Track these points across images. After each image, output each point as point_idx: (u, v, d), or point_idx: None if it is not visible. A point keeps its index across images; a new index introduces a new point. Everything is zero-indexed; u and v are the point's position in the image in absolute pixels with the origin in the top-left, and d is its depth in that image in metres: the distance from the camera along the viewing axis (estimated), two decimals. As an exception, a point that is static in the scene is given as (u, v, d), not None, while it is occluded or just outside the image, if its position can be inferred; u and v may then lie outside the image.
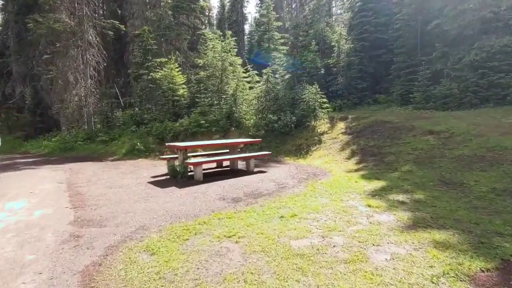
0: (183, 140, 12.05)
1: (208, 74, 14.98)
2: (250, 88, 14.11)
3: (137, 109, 14.10)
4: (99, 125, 15.57)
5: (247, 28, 43.72)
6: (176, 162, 7.84)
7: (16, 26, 17.39)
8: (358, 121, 11.50)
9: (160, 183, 6.71)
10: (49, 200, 5.40)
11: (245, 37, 38.64)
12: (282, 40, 24.37)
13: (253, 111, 13.55)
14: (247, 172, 7.91)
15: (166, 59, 13.77)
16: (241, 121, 12.88)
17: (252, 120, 12.76)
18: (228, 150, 9.06)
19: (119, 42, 20.45)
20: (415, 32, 13.64)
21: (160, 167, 9.02)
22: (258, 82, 13.82)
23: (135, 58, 15.51)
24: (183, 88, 13.60)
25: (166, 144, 7.61)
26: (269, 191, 5.84)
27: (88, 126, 15.80)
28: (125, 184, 6.66)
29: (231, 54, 15.12)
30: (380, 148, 8.75)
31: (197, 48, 19.42)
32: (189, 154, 7.71)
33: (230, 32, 15.51)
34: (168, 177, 7.37)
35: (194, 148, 8.08)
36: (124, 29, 18.21)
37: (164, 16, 17.63)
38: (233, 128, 12.68)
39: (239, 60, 15.31)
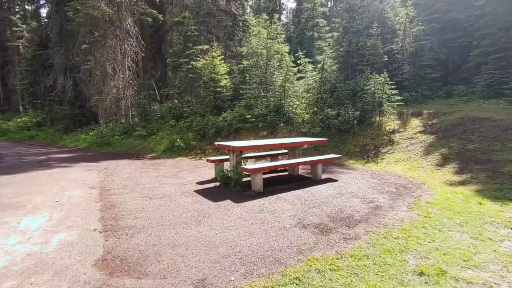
0: (226, 137, 10.69)
1: (252, 64, 13.47)
2: (298, 78, 12.37)
3: (176, 101, 12.98)
4: (136, 119, 14.76)
5: (283, 18, 41.69)
6: (227, 166, 6.42)
7: (58, 17, 17.11)
8: (439, 118, 9.35)
9: (209, 193, 5.30)
10: (75, 215, 4.18)
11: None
12: (327, 27, 22.23)
13: (304, 104, 11.83)
14: (313, 180, 6.28)
15: (208, 46, 12.43)
16: (291, 116, 11.22)
17: (304, 115, 11.05)
18: (278, 151, 7.48)
19: (156, 32, 19.62)
20: (509, 7, 10.98)
21: (204, 169, 7.68)
22: (304, 71, 12.04)
23: (175, 46, 14.40)
24: (225, 78, 12.21)
25: (216, 144, 6.19)
26: (361, 214, 4.18)
27: (125, 119, 15.07)
28: (167, 193, 5.34)
29: (278, 41, 13.46)
30: (487, 154, 6.65)
31: (235, 37, 18.02)
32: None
33: (277, 16, 13.83)
34: (218, 184, 5.95)
35: (250, 149, 6.53)
36: (162, 18, 17.26)
37: (203, 2, 16.36)
38: (282, 124, 11.07)
39: (286, 48, 13.60)
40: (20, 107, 26.95)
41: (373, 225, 3.80)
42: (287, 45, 13.72)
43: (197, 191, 5.49)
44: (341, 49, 15.57)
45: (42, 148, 13.31)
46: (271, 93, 11.94)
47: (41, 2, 22.78)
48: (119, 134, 13.06)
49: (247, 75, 13.19)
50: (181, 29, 12.93)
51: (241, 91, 11.96)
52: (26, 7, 25.59)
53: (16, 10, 28.91)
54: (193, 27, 12.73)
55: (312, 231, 3.61)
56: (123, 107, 15.36)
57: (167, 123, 12.31)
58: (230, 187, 5.62)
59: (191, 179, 6.51)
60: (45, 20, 20.88)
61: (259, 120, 11.04)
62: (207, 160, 6.65)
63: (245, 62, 13.64)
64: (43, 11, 24.47)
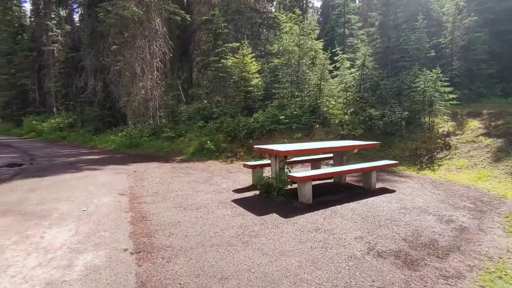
0: (258, 139, 10.03)
1: (283, 62, 12.75)
2: (333, 77, 11.47)
3: (205, 101, 12.52)
4: (164, 120, 14.50)
5: (309, 17, 40.60)
6: (267, 172, 5.73)
7: (89, 20, 17.35)
8: (504, 119, 8.16)
9: (250, 204, 4.64)
10: (103, 229, 3.66)
11: (310, 26, 35.67)
12: (360, 24, 21.06)
13: (341, 104, 10.93)
14: (366, 190, 5.44)
15: (238, 44, 11.87)
16: (327, 117, 10.37)
17: (342, 116, 10.15)
18: (320, 156, 6.67)
19: (183, 33, 19.45)
20: None
21: (238, 174, 7.05)
22: (342, 68, 11.12)
23: (203, 45, 13.99)
24: (256, 77, 11.57)
25: (256, 147, 5.52)
26: (446, 239, 3.33)
27: (153, 120, 14.86)
28: (203, 203, 4.73)
29: (312, 38, 12.65)
30: None
31: (263, 36, 17.39)
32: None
33: (310, 11, 13.04)
34: (257, 193, 5.27)
35: (295, 154, 5.76)
36: (190, 19, 17.00)
37: (232, 0, 15.89)
38: (318, 126, 10.24)
39: (320, 44, 12.75)
40: (54, 109, 27.93)
41: (470, 256, 2.94)
42: (321, 42, 12.87)
43: (236, 201, 4.84)
44: (377, 45, 14.49)
45: (73, 149, 13.36)
46: (305, 92, 11.14)
47: (74, 6, 23.40)
48: (147, 136, 12.80)
49: (278, 73, 12.48)
50: (210, 27, 12.47)
51: (273, 91, 11.27)
52: (61, 12, 26.50)
53: (52, 16, 30.17)
54: (222, 24, 12.22)
55: (393, 262, 2.81)
56: (151, 108, 15.18)
57: (195, 124, 11.87)
58: (272, 197, 4.92)
59: (226, 186, 5.88)
60: (78, 23, 21.41)
61: (292, 121, 10.29)
62: (244, 166, 6.00)
63: (276, 60, 12.95)
64: (76, 16, 25.20)
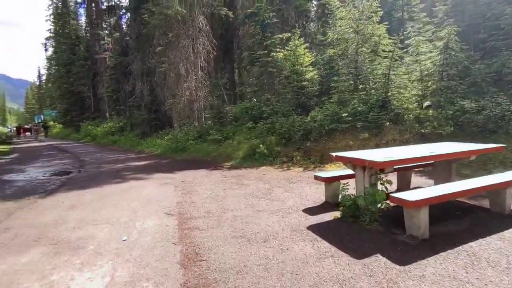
0: (316, 141, 8.68)
1: (340, 52, 11.18)
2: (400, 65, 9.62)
3: (255, 100, 11.48)
4: (209, 122, 13.80)
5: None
6: (350, 188, 4.38)
7: (135, 24, 17.46)
8: None
9: (335, 235, 3.36)
10: (146, 275, 2.67)
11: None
12: (421, 5, 18.43)
13: (415, 97, 9.10)
14: (495, 214, 3.82)
15: (289, 34, 10.60)
16: (400, 113, 8.63)
17: (419, 111, 8.35)
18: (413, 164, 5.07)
19: (226, 30, 18.74)
20: None
21: (301, 185, 5.81)
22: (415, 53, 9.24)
23: (250, 39, 12.97)
24: (311, 70, 10.20)
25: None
26: None
27: (198, 122, 14.26)
28: (270, 231, 3.57)
29: (373, 21, 10.88)
30: None
31: (313, 25, 15.89)
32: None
33: None
34: (337, 214, 3.97)
35: (396, 165, 4.23)
36: (232, 15, 16.17)
37: (278, -11, 14.68)
38: (388, 123, 8.56)
39: (383, 28, 10.92)
40: (107, 114, 29.31)
41: None
42: (385, 25, 11.03)
43: (313, 228, 3.60)
44: (453, 25, 12.14)
45: (121, 154, 13.25)
46: (372, 84, 9.49)
47: (122, 12, 24.12)
48: (193, 139, 12.14)
49: (334, 65, 10.96)
50: (257, 18, 11.38)
51: (331, 84, 9.79)
52: (111, 20, 27.66)
53: (104, 26, 31.80)
54: (271, 14, 11.05)
55: None
56: (196, 110, 14.61)
57: (243, 126, 10.88)
58: (361, 223, 3.59)
59: (293, 204, 4.66)
60: (125, 29, 21.96)
61: (357, 118, 8.75)
62: (316, 178, 4.72)
63: (331, 51, 11.41)
64: (125, 22, 26.03)
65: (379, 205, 3.67)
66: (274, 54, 10.40)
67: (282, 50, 10.56)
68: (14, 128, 39.80)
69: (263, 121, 10.11)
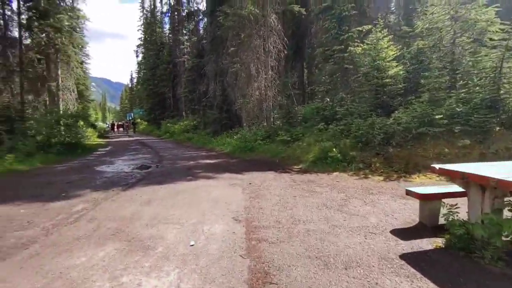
0: (401, 146, 7.55)
1: (431, 43, 9.61)
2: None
3: (327, 99, 10.74)
4: (278, 122, 13.52)
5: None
6: (463, 211, 3.47)
7: (211, 27, 18.30)
8: None
9: (441, 271, 2.60)
10: (211, 294, 2.42)
11: None
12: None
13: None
14: None
15: (370, 26, 9.54)
16: (517, 115, 6.90)
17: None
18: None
19: (298, 28, 18.22)
20: None
21: (383, 198, 4.99)
22: None
23: (325, 34, 12.21)
24: (395, 66, 8.98)
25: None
26: None
27: (267, 122, 14.12)
28: (352, 255, 2.99)
29: (479, 3, 9.03)
30: None
31: (397, 14, 14.16)
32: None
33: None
34: (438, 242, 3.15)
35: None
36: (305, 12, 15.54)
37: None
38: (499, 128, 6.94)
39: (492, 12, 8.96)
40: (184, 113, 31.77)
41: None
42: (494, 8, 9.04)
43: (408, 259, 2.88)
44: None
45: (194, 151, 13.95)
46: (476, 80, 7.84)
47: (200, 17, 25.71)
48: (261, 139, 12.00)
49: (424, 59, 9.47)
50: (332, 11, 10.57)
51: (421, 81, 8.43)
52: (190, 26, 29.78)
53: (184, 32, 34.53)
54: (349, 5, 10.13)
55: None
56: (265, 109, 14.51)
57: (314, 127, 10.24)
58: (479, 260, 2.73)
59: (376, 221, 3.95)
60: (202, 33, 23.32)
61: (454, 121, 7.32)
62: (409, 193, 3.92)
63: (419, 43, 9.90)
64: (202, 27, 27.71)
65: (506, 238, 2.75)
66: (352, 48, 9.47)
67: (361, 44, 9.56)
68: (110, 125, 46.38)
69: (336, 122, 9.32)
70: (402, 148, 7.52)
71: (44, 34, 21.89)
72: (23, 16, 19.42)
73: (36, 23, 19.30)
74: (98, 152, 14.17)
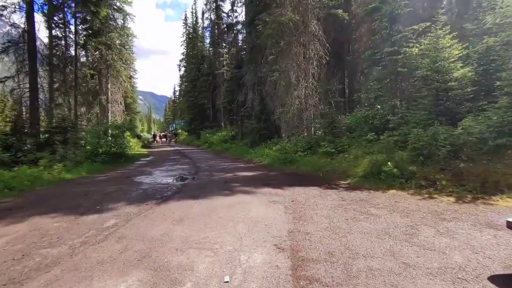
0: (472, 161, 6.31)
1: (506, 38, 8.18)
2: None
3: (378, 106, 9.68)
4: (319, 132, 12.65)
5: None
6: None
7: (249, 37, 18.19)
8: None
9: None
10: None
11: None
12: None
13: None
14: None
15: (428, 23, 8.43)
16: None
17: None
18: None
19: (340, 33, 17.30)
20: None
21: (461, 225, 3.97)
22: None
23: (372, 35, 11.23)
24: (460, 67, 7.74)
25: None
26: None
27: (307, 133, 13.32)
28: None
29: None
30: None
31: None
32: None
33: None
34: None
35: None
36: (347, 17, 14.66)
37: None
38: None
39: None
40: (222, 123, 32.07)
41: None
42: None
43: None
44: None
45: (232, 162, 13.59)
46: None
47: (239, 28, 25.95)
48: (302, 150, 11.24)
49: (497, 57, 8.06)
50: (383, 11, 9.60)
51: (496, 83, 7.09)
52: (230, 38, 30.27)
53: (224, 44, 35.29)
54: (402, 2, 9.10)
55: None
56: (305, 119, 13.73)
57: (362, 138, 9.26)
58: None
59: (463, 261, 3.01)
60: (240, 44, 23.44)
61: (545, 131, 5.93)
62: (509, 225, 2.94)
63: (490, 40, 8.51)
64: (240, 40, 27.97)
65: None
66: (407, 49, 8.40)
67: (417, 45, 8.46)
68: (152, 135, 48.51)
69: (389, 132, 8.26)
70: (475, 163, 6.27)
71: (97, 52, 23.68)
72: (80, 36, 21.06)
73: (90, 42, 20.87)
74: (139, 162, 14.47)
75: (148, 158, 16.52)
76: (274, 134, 15.64)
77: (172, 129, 54.48)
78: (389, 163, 6.80)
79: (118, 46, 26.38)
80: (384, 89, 9.72)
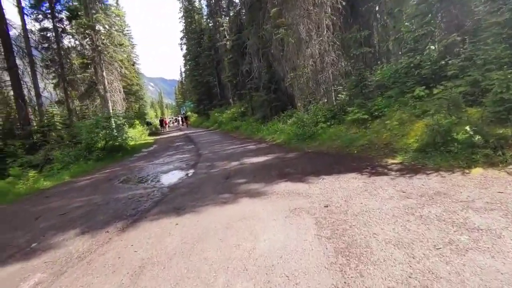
0: None
1: None
2: None
3: (432, 47, 7.05)
4: (343, 95, 10.23)
5: None
6: None
7: (247, -6, 15.31)
8: None
9: None
10: None
11: None
12: None
13: None
14: None
15: None
16: None
17: None
18: None
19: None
20: None
21: None
22: None
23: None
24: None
25: None
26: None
27: (328, 98, 10.93)
28: None
29: None
30: None
31: None
32: None
33: None
34: None
35: None
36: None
37: None
38: None
39: None
40: (230, 99, 29.74)
41: None
42: None
43: None
44: None
45: (241, 143, 11.53)
46: None
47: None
48: (324, 121, 8.99)
49: None
50: None
51: None
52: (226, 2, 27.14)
53: (222, 13, 31.95)
54: None
55: None
56: (323, 82, 11.27)
57: (406, 95, 6.86)
58: None
59: None
60: (239, 5, 20.48)
61: None
62: None
63: None
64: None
65: None
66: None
67: None
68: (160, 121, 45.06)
69: (450, 82, 5.81)
70: None
71: (88, 38, 21.64)
72: (56, 20, 18.94)
73: (71, 25, 18.79)
74: (138, 154, 12.75)
75: (150, 148, 14.80)
76: (287, 105, 13.33)
77: (183, 112, 52.69)
78: (467, 127, 4.47)
79: (107, 27, 24.21)
80: (433, 24, 7.04)
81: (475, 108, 5.28)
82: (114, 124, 15.35)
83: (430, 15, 7.14)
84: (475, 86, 5.39)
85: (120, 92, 25.50)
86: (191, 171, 6.99)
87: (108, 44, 23.87)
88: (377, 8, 15.46)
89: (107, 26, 24.27)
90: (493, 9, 5.81)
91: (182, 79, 76.59)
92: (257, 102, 16.04)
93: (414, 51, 7.27)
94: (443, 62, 6.31)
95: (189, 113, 43.27)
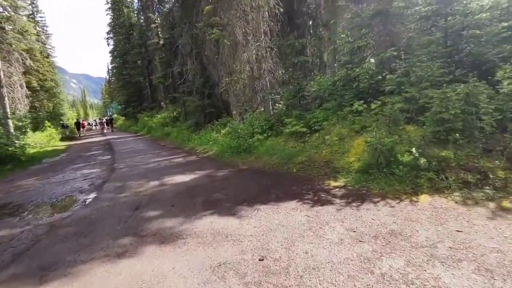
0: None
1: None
2: None
3: (372, 60, 6.82)
4: (280, 105, 9.70)
5: None
6: None
7: (180, -12, 13.94)
8: None
9: None
10: None
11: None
12: None
13: None
14: None
15: None
16: None
17: None
18: None
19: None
20: None
21: None
22: None
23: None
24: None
25: None
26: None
27: (265, 107, 10.30)
28: None
29: None
30: None
31: None
32: None
33: None
34: None
35: None
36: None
37: None
38: None
39: None
40: (162, 103, 27.40)
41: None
42: None
43: None
44: None
45: (168, 155, 10.07)
46: None
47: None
48: (261, 132, 8.25)
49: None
50: None
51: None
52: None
53: (154, 8, 29.43)
54: None
55: None
56: (260, 90, 10.63)
57: (344, 108, 6.51)
58: None
59: None
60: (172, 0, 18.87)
61: None
62: None
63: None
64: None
65: None
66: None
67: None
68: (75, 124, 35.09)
69: (387, 97, 5.57)
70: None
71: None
72: None
73: None
74: (35, 167, 10.18)
75: (56, 158, 12.13)
76: (222, 112, 12.35)
77: (110, 113, 47.25)
78: (413, 149, 4.09)
79: (9, 9, 19.95)
80: (368, 36, 6.91)
81: (412, 126, 5.07)
82: (12, 127, 12.21)
83: (364, 30, 6.99)
84: (411, 103, 5.21)
85: (22, 88, 21.17)
86: (91, 196, 5.39)
87: (7, 29, 19.72)
88: (311, 23, 15.77)
89: (9, 8, 20.01)
90: (425, 27, 5.81)
91: (109, 77, 69.32)
92: (191, 107, 14.67)
93: (350, 63, 7.04)
94: (380, 77, 6.12)
95: (115, 116, 38.83)
